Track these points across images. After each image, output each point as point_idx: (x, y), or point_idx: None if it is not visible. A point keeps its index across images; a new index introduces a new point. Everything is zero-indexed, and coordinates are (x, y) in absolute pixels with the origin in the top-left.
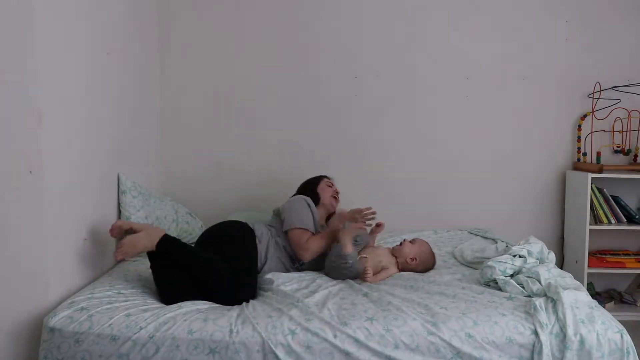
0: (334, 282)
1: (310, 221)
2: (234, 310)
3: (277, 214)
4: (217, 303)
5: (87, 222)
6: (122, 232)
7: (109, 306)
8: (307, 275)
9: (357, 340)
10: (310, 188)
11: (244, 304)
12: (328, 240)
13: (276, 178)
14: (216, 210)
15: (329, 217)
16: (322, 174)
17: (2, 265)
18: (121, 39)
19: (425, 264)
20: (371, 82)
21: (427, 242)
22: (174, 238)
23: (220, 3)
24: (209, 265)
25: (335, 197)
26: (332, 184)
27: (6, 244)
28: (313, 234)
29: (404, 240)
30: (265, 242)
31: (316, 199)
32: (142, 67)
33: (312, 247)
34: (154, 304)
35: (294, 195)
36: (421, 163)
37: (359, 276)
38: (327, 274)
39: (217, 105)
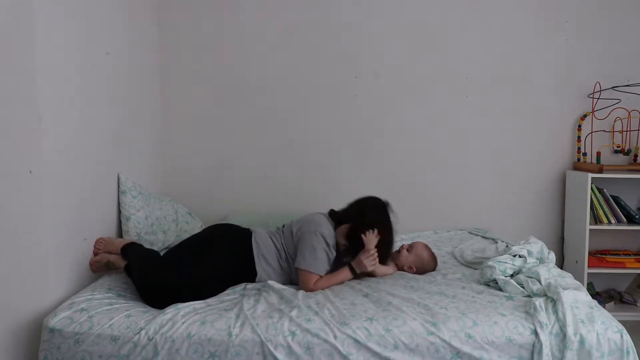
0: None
1: (323, 265)
2: (232, 311)
3: (290, 230)
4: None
5: (87, 222)
6: (103, 264)
7: (109, 307)
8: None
9: (356, 341)
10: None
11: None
12: (338, 280)
13: (276, 178)
14: (216, 210)
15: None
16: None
17: (2, 265)
18: (121, 39)
19: (425, 270)
20: (371, 82)
21: (425, 246)
22: (134, 243)
23: (220, 3)
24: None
25: None
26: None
27: (6, 244)
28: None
29: (402, 246)
30: (265, 249)
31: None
32: (142, 67)
33: (319, 288)
34: None
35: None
36: (421, 163)
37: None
38: None
39: (217, 105)
